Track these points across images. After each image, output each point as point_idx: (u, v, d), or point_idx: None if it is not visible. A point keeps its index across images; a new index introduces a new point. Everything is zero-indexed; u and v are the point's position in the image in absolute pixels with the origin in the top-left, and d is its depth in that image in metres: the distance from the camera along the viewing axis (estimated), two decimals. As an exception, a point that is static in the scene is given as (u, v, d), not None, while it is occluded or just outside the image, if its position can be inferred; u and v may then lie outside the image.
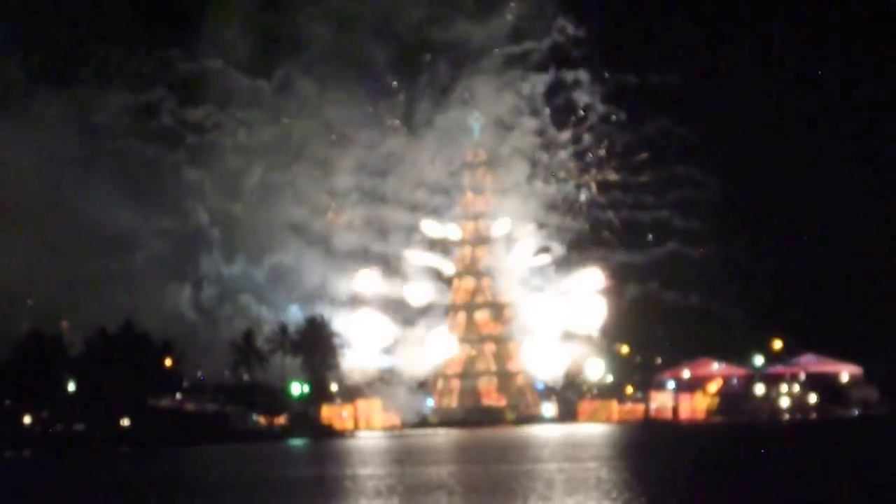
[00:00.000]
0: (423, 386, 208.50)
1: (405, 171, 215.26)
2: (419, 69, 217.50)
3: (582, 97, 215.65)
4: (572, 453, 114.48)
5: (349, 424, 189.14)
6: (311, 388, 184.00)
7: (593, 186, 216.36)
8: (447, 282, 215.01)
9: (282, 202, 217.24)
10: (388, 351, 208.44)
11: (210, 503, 77.24)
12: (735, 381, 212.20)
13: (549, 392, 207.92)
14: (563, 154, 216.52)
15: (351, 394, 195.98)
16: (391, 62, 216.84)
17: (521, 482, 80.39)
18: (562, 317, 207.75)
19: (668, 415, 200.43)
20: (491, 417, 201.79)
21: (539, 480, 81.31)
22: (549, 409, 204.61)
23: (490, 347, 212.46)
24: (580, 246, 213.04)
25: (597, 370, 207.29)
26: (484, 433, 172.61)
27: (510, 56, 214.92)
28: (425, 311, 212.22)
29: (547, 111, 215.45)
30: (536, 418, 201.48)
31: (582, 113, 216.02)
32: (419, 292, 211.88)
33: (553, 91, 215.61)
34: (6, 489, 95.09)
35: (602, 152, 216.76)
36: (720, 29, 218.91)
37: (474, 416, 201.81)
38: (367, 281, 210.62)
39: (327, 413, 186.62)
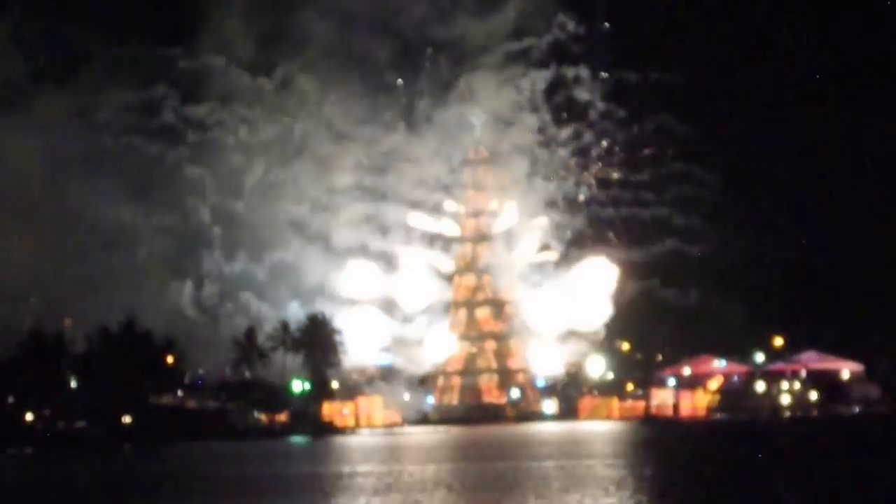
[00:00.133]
0: (424, 383, 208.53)
1: (405, 168, 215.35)
2: (420, 66, 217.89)
3: (582, 94, 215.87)
4: (573, 451, 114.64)
5: (350, 422, 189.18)
6: (313, 386, 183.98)
7: (593, 184, 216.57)
8: (448, 279, 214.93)
9: (283, 199, 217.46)
10: (388, 348, 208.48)
11: (211, 501, 77.38)
12: (736, 378, 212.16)
13: (549, 389, 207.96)
14: (563, 151, 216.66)
15: (352, 391, 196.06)
16: (392, 59, 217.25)
17: (521, 479, 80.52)
18: (565, 312, 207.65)
19: (669, 412, 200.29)
20: (491, 414, 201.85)
21: (539, 478, 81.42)
22: (549, 406, 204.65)
23: (491, 345, 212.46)
24: (580, 243, 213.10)
25: (597, 367, 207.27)
26: (484, 430, 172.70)
27: (511, 52, 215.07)
28: (425, 308, 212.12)
29: (547, 108, 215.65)
30: (537, 415, 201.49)
31: (582, 110, 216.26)
32: (419, 289, 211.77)
33: (553, 88, 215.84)
34: (8, 486, 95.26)
35: (602, 149, 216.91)
36: (720, 26, 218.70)
37: (475, 413, 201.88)
38: (367, 278, 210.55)
39: (328, 410, 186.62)
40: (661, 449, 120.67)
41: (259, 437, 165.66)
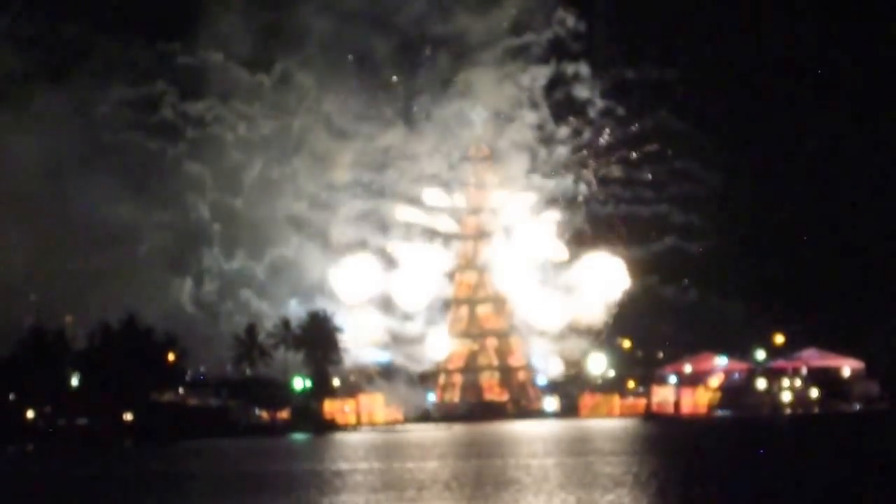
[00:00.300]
0: (425, 380, 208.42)
1: (404, 165, 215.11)
2: (419, 63, 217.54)
3: (582, 91, 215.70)
4: (573, 448, 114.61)
5: (351, 419, 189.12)
6: (314, 383, 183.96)
7: (593, 181, 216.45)
8: (449, 276, 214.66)
9: (282, 196, 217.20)
10: (387, 346, 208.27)
11: (213, 498, 77.25)
12: (737, 375, 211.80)
13: (551, 387, 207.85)
14: (563, 148, 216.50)
15: (353, 388, 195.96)
16: (391, 56, 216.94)
17: (521, 477, 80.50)
18: (565, 309, 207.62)
19: (670, 409, 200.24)
20: (493, 412, 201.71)
21: (538, 475, 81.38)
22: (550, 403, 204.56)
23: (492, 342, 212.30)
24: (580, 241, 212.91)
25: (599, 365, 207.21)
26: (485, 428, 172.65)
27: (510, 48, 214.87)
28: (425, 305, 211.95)
29: (546, 105, 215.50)
30: (538, 413, 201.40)
31: (582, 107, 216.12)
32: (419, 286, 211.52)
33: (553, 84, 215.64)
34: (9, 483, 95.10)
35: (602, 146, 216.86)
36: (720, 23, 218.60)
37: (476, 410, 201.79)
38: (367, 275, 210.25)
39: (329, 407, 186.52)
40: (661, 446, 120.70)
41: (260, 434, 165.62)
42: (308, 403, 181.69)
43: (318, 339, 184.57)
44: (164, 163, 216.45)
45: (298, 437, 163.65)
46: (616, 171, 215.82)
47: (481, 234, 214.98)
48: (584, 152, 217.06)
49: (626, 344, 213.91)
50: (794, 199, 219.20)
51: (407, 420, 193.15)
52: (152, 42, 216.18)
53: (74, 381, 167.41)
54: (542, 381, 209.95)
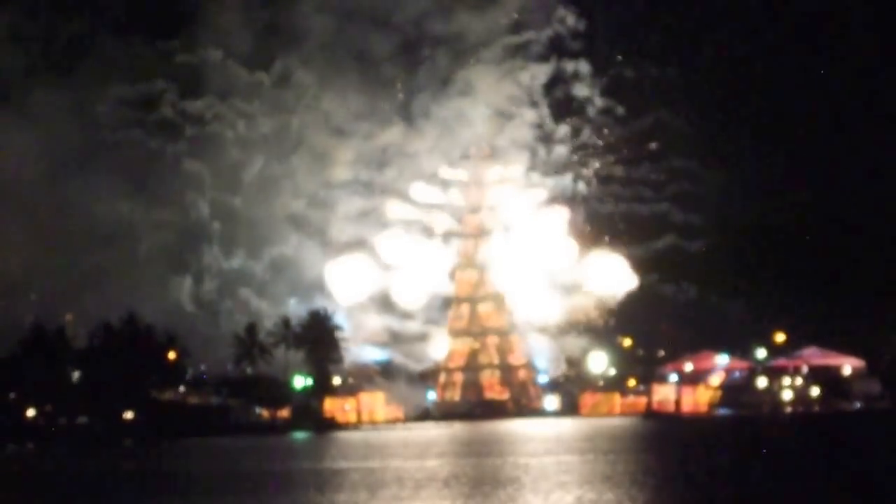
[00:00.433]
0: (426, 379, 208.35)
1: (404, 163, 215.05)
2: (418, 61, 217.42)
3: (581, 89, 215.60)
4: (573, 446, 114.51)
5: (352, 417, 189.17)
6: (314, 382, 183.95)
7: (592, 179, 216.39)
8: (450, 274, 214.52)
9: (281, 194, 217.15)
10: (387, 344, 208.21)
11: (213, 497, 77.16)
12: (737, 373, 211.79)
13: (551, 385, 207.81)
14: (562, 147, 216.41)
15: (353, 387, 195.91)
16: (390, 54, 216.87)
17: (521, 475, 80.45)
18: (565, 306, 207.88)
19: (671, 408, 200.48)
20: (493, 410, 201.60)
21: (537, 474, 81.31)
22: (551, 402, 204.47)
23: (493, 341, 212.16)
24: (580, 239, 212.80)
25: (599, 363, 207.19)
26: (486, 426, 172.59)
27: (510, 47, 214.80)
28: (425, 303, 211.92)
29: (546, 103, 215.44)
30: (539, 412, 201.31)
31: (581, 105, 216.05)
32: (418, 284, 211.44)
33: (553, 83, 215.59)
34: (10, 482, 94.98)
35: (601, 145, 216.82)
36: (720, 22, 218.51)
37: (477, 409, 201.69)
38: (366, 273, 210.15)
39: (330, 406, 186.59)
40: (662, 445, 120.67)
41: (261, 432, 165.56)
42: (308, 402, 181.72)
43: (318, 337, 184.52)
44: (163, 161, 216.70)
45: (299, 435, 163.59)
46: (615, 170, 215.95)
47: (481, 233, 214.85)
48: (584, 151, 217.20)
49: (627, 342, 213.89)
50: (794, 198, 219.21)
51: (407, 419, 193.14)
52: (152, 40, 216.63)
53: (75, 380, 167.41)
54: (542, 379, 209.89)
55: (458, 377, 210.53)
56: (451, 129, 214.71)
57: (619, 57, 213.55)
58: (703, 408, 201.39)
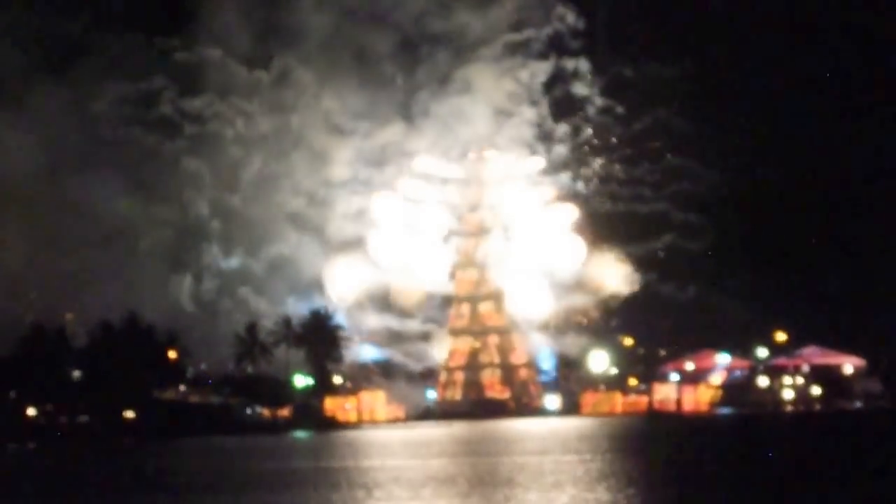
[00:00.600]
0: (426, 378, 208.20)
1: (403, 161, 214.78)
2: (418, 59, 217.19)
3: (581, 88, 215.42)
4: (574, 446, 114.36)
5: (353, 416, 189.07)
6: (315, 381, 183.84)
7: (592, 179, 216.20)
8: (450, 274, 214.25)
9: (280, 193, 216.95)
10: (389, 343, 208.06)
11: (214, 496, 76.95)
12: (738, 373, 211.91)
13: (552, 384, 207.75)
14: (562, 146, 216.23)
15: (354, 386, 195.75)
16: (389, 52, 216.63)
17: (520, 475, 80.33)
18: (568, 303, 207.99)
19: (672, 407, 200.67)
20: (494, 410, 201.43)
21: (536, 473, 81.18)
22: (552, 401, 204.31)
23: (493, 340, 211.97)
24: (580, 237, 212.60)
25: (600, 362, 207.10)
26: (487, 426, 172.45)
27: (509, 44, 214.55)
28: (425, 302, 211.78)
29: (546, 102, 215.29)
30: (539, 411, 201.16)
31: (581, 104, 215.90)
32: (418, 283, 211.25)
33: (552, 81, 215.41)
34: (11, 481, 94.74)
35: (600, 144, 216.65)
36: (719, 21, 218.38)
37: (477, 408, 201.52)
38: (365, 272, 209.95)
39: (331, 405, 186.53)
40: (663, 444, 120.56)
41: (262, 432, 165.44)
42: (309, 401, 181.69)
43: (319, 336, 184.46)
44: (162, 159, 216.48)
45: (300, 434, 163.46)
46: (615, 170, 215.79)
47: (481, 231, 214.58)
48: (583, 150, 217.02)
49: (628, 341, 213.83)
50: (794, 197, 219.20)
51: (408, 418, 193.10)
52: (151, 38, 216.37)
53: (76, 379, 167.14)
54: (543, 378, 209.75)
55: (459, 376, 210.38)
56: (451, 128, 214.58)
57: (618, 56, 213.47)
58: (704, 407, 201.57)
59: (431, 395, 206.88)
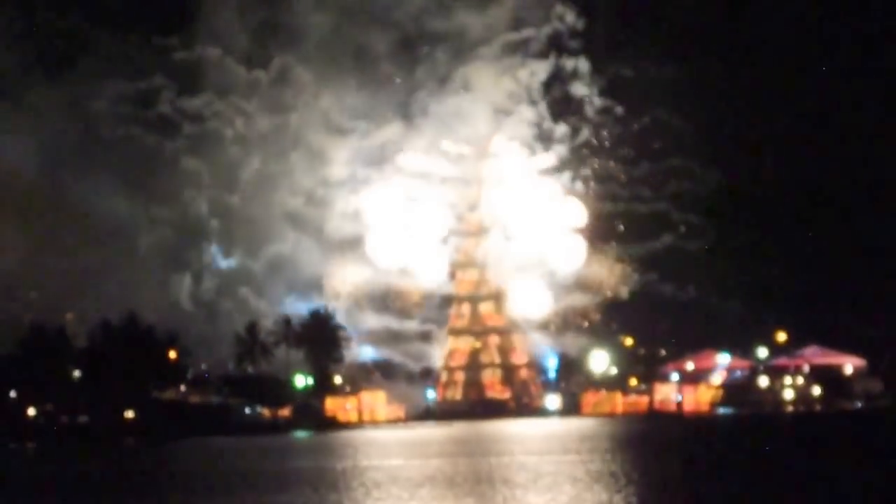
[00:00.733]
0: (427, 378, 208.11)
1: (402, 161, 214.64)
2: (417, 58, 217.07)
3: (580, 88, 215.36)
4: (575, 446, 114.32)
5: (353, 416, 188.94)
6: (315, 381, 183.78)
7: (591, 179, 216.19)
8: (450, 274, 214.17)
9: (279, 192, 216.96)
10: (389, 343, 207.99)
11: (214, 496, 76.88)
12: (739, 373, 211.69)
13: (553, 384, 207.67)
14: (561, 146, 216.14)
15: (355, 386, 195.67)
16: (389, 51, 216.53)
17: (519, 474, 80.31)
18: (568, 302, 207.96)
19: (672, 407, 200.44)
20: (495, 410, 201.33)
21: (535, 473, 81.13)
22: (552, 401, 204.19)
23: (494, 340, 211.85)
24: (579, 237, 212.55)
25: (601, 362, 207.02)
26: (487, 426, 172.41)
27: (509, 44, 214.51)
28: (425, 302, 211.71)
29: (545, 102, 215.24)
30: (540, 411, 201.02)
31: (580, 104, 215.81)
32: (418, 282, 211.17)
33: (551, 80, 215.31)
34: (11, 480, 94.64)
35: (600, 144, 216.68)
36: (719, 20, 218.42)
37: (478, 408, 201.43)
38: (365, 271, 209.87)
39: (331, 405, 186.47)
40: (664, 444, 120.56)
41: (262, 432, 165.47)
42: (309, 401, 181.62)
43: (319, 336, 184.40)
44: (161, 158, 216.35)
45: (300, 434, 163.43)
46: (615, 170, 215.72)
47: (481, 231, 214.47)
48: (582, 149, 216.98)
49: (629, 341, 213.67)
50: (794, 196, 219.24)
51: (409, 418, 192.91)
52: (150, 37, 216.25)
53: (76, 379, 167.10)
54: (544, 378, 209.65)
55: (460, 376, 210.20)
56: (450, 127, 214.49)
57: (618, 56, 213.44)
58: (705, 407, 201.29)
59: (431, 395, 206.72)
